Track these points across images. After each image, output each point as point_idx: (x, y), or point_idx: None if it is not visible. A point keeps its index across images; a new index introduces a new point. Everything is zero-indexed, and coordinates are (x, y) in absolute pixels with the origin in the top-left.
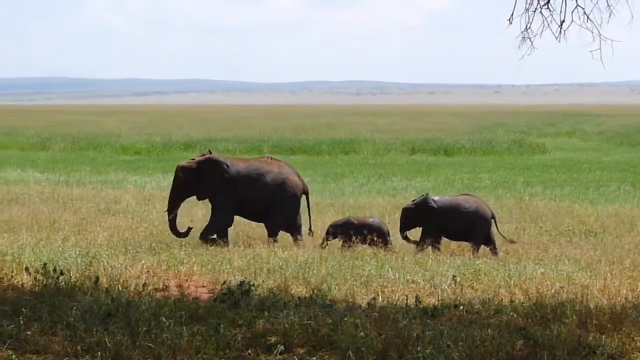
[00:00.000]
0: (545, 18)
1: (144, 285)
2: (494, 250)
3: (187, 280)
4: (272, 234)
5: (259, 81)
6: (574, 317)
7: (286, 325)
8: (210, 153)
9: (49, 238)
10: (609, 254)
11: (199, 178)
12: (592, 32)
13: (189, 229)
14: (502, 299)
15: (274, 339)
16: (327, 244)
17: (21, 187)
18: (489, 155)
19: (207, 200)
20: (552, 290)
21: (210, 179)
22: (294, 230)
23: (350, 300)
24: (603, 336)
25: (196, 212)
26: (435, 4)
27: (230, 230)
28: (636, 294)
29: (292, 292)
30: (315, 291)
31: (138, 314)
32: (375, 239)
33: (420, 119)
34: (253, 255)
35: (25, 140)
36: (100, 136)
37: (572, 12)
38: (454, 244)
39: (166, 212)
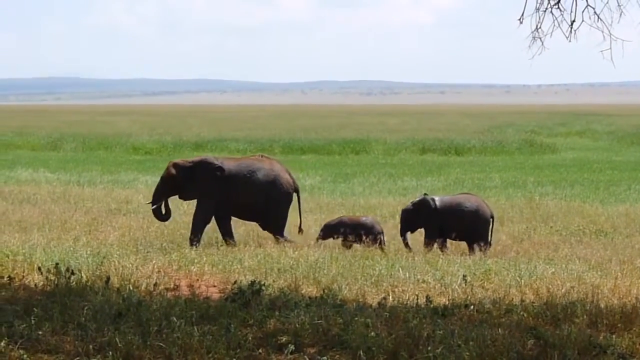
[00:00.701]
0: (556, 18)
1: (155, 285)
2: (475, 249)
3: (198, 280)
4: (277, 232)
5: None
6: (585, 316)
7: (297, 325)
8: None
9: (60, 238)
10: (619, 254)
11: (190, 178)
12: (603, 32)
13: (169, 210)
14: (512, 299)
15: (284, 338)
16: (321, 243)
17: (33, 187)
18: (500, 155)
19: None
20: (563, 290)
21: (202, 181)
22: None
23: (360, 300)
24: (614, 336)
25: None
26: (446, 4)
27: (242, 230)
28: None
29: (303, 291)
30: (325, 291)
31: (149, 313)
32: (368, 238)
33: (430, 118)
34: (264, 255)
35: (37, 140)
36: (112, 136)
37: (583, 11)
38: (464, 244)
39: (149, 204)
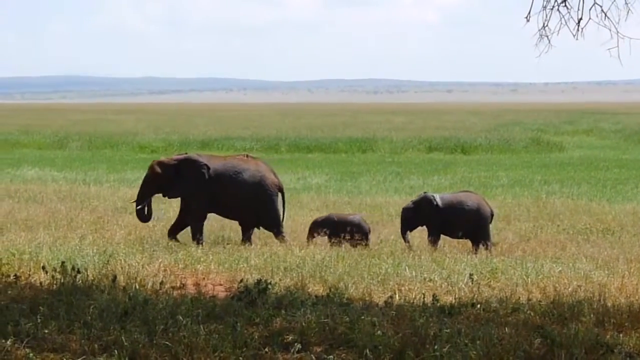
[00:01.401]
0: (563, 16)
1: (161, 283)
2: (478, 247)
3: (204, 278)
4: (277, 232)
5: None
6: (592, 315)
7: (303, 324)
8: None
9: (67, 236)
10: (626, 252)
11: (175, 176)
12: (610, 30)
13: (150, 211)
14: (519, 298)
15: (291, 337)
16: (310, 241)
17: (39, 185)
18: (506, 154)
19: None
20: (570, 289)
21: (188, 179)
22: (254, 227)
23: (367, 298)
24: (621, 335)
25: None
26: (453, 2)
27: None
28: None
29: (309, 290)
30: (332, 290)
31: (155, 312)
32: (356, 235)
33: (437, 117)
34: (270, 254)
35: (43, 139)
36: (118, 135)
37: (590, 9)
38: (468, 243)
39: (133, 203)
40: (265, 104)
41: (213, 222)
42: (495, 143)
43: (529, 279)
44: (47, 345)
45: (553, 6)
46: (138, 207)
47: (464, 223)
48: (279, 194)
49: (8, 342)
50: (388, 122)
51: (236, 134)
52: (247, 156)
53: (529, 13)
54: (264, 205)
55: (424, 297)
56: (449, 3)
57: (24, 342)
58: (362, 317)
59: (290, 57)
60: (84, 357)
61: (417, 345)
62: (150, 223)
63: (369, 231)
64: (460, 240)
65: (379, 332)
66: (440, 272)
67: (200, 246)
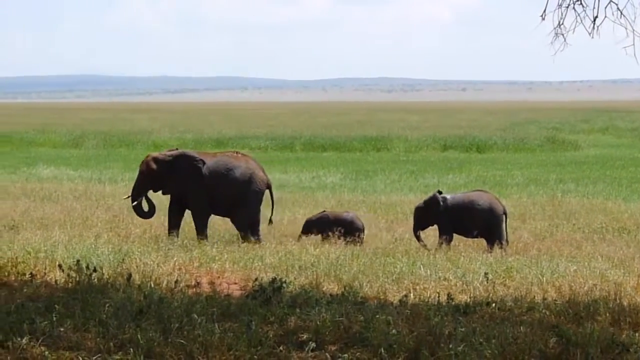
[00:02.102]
0: (578, 14)
1: (176, 282)
2: (492, 246)
3: (219, 277)
4: (242, 228)
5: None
6: (607, 314)
7: (318, 323)
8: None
9: (82, 235)
10: None
11: (171, 172)
12: (626, 28)
13: (152, 207)
14: (534, 297)
15: (305, 336)
16: (302, 238)
17: (54, 184)
18: (522, 152)
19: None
20: (585, 288)
21: (183, 175)
22: (254, 226)
23: (382, 297)
24: (637, 334)
25: None
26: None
27: (261, 227)
28: None
29: (324, 289)
30: (347, 288)
31: (170, 310)
32: (349, 233)
33: (452, 115)
34: (285, 252)
35: (58, 138)
36: (133, 134)
37: (606, 7)
38: (482, 242)
39: (128, 199)
40: (280, 102)
41: (228, 221)
42: (510, 142)
43: (544, 278)
44: (62, 343)
45: (568, 4)
46: (134, 204)
47: (476, 222)
48: (267, 191)
49: (24, 341)
50: (403, 121)
51: (251, 132)
52: (237, 153)
53: (544, 11)
54: (248, 202)
55: (438, 296)
56: (463, 1)
57: (40, 340)
58: (377, 316)
59: (306, 56)
60: (99, 355)
61: (432, 344)
62: (165, 222)
63: (363, 229)
64: (475, 239)
65: (393, 330)
66: (455, 271)
67: (211, 243)
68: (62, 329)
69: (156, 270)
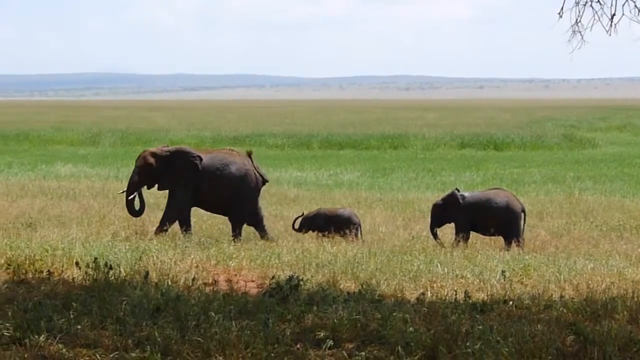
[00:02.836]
0: (596, 12)
1: (193, 279)
2: (510, 244)
3: (236, 275)
4: (237, 227)
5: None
6: (625, 312)
7: (335, 320)
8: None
9: (99, 233)
10: None
11: (168, 167)
12: None
13: (143, 204)
14: (552, 295)
15: (322, 333)
16: (297, 234)
17: (72, 182)
18: (539, 150)
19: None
20: (603, 286)
21: (180, 171)
22: (259, 222)
23: (399, 295)
24: None
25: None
26: None
27: (278, 225)
28: None
29: (341, 287)
30: (364, 286)
31: (187, 308)
32: (346, 230)
33: (469, 113)
34: (302, 250)
35: (76, 135)
36: (150, 131)
37: (623, 5)
38: (500, 240)
39: (123, 193)
40: (297, 100)
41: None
42: (527, 139)
43: (562, 276)
44: (79, 340)
45: (586, 2)
46: (129, 198)
47: (494, 220)
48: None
49: (41, 338)
50: (420, 119)
51: (268, 130)
52: (231, 150)
53: (562, 9)
54: (243, 199)
55: (456, 294)
56: None
57: (57, 337)
58: (394, 314)
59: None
60: (116, 352)
61: (449, 342)
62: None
63: (360, 225)
64: (492, 237)
65: (410, 328)
66: (472, 269)
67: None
68: (79, 327)
69: (173, 268)
